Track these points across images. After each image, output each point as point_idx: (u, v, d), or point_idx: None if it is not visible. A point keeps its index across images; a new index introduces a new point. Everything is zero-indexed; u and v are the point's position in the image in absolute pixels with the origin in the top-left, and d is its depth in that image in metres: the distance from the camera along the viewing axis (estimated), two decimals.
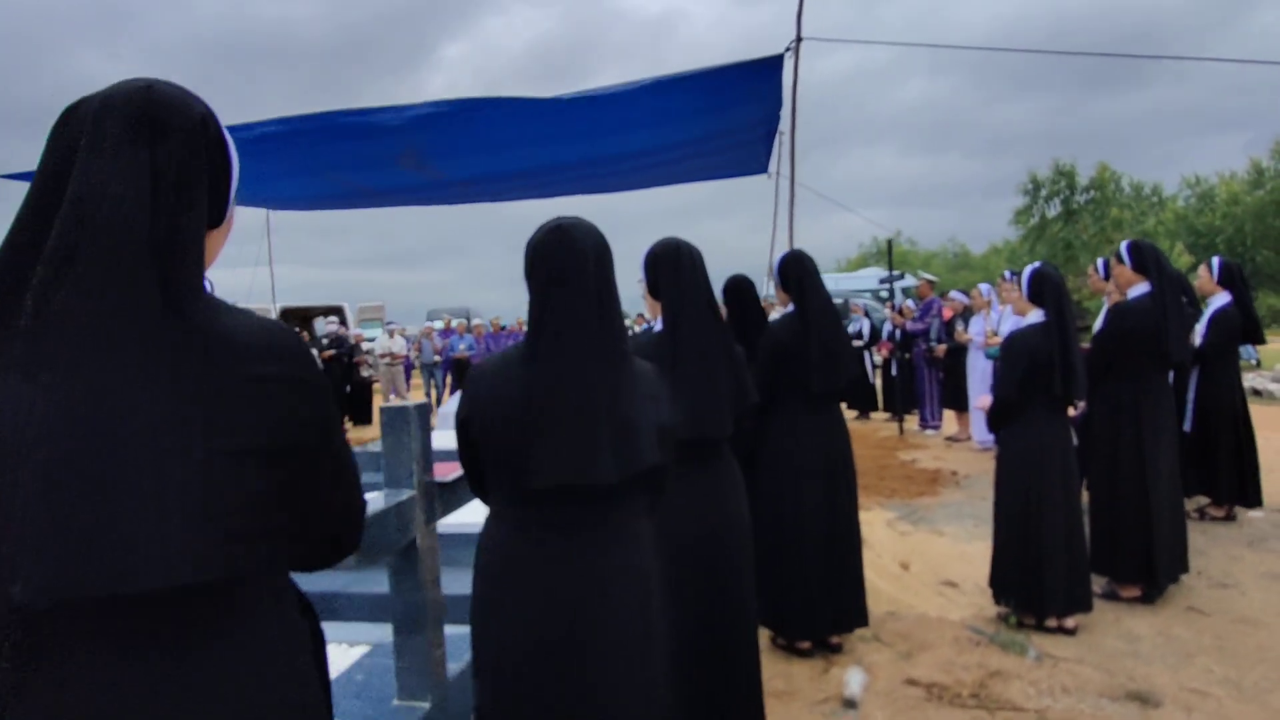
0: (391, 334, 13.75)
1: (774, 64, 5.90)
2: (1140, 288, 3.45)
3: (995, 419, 3.23)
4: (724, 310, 3.70)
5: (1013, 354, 3.12)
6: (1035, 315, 3.16)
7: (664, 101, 6.50)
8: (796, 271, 3.03)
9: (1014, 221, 26.04)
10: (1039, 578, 3.09)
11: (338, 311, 18.03)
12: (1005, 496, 3.20)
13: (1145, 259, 3.43)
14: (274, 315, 16.19)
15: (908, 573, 3.96)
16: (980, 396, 3.40)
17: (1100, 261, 4.87)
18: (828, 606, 2.99)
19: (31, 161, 0.88)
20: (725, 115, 6.85)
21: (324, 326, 12.63)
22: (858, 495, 3.12)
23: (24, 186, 0.90)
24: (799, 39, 5.68)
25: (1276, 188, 22.27)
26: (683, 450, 2.08)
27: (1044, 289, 3.12)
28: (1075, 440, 3.58)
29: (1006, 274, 6.54)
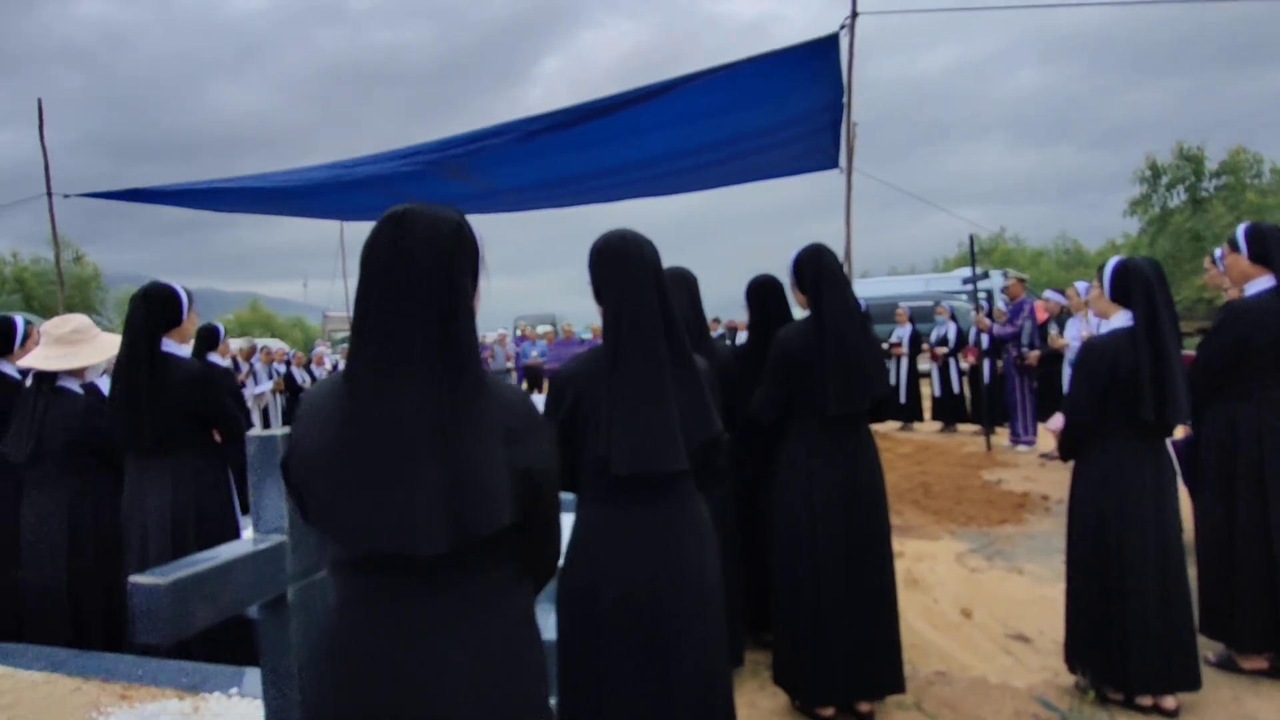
0: None
1: (829, 44, 5.38)
2: (1261, 282, 2.76)
3: (1066, 445, 2.64)
4: (747, 314, 3.27)
5: (1088, 365, 2.54)
6: (1121, 318, 2.56)
7: (716, 94, 6.12)
8: (813, 269, 2.56)
9: (1129, 212, 23.61)
10: (1121, 645, 2.48)
11: None
12: (1078, 542, 2.61)
13: (1268, 246, 2.75)
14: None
15: (969, 622, 3.37)
16: (1054, 416, 2.82)
17: (1218, 252, 4.09)
18: (851, 667, 2.50)
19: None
20: (784, 104, 6.38)
21: None
22: (890, 535, 2.61)
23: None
24: (854, 14, 5.15)
25: None
26: (623, 489, 1.69)
27: (1131, 286, 2.52)
28: (1180, 472, 2.92)
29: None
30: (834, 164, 8.66)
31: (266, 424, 8.95)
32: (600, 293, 1.74)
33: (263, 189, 6.99)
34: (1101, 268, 2.66)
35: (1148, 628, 2.48)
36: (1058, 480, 6.15)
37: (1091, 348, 2.55)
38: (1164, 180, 22.57)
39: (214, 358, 5.07)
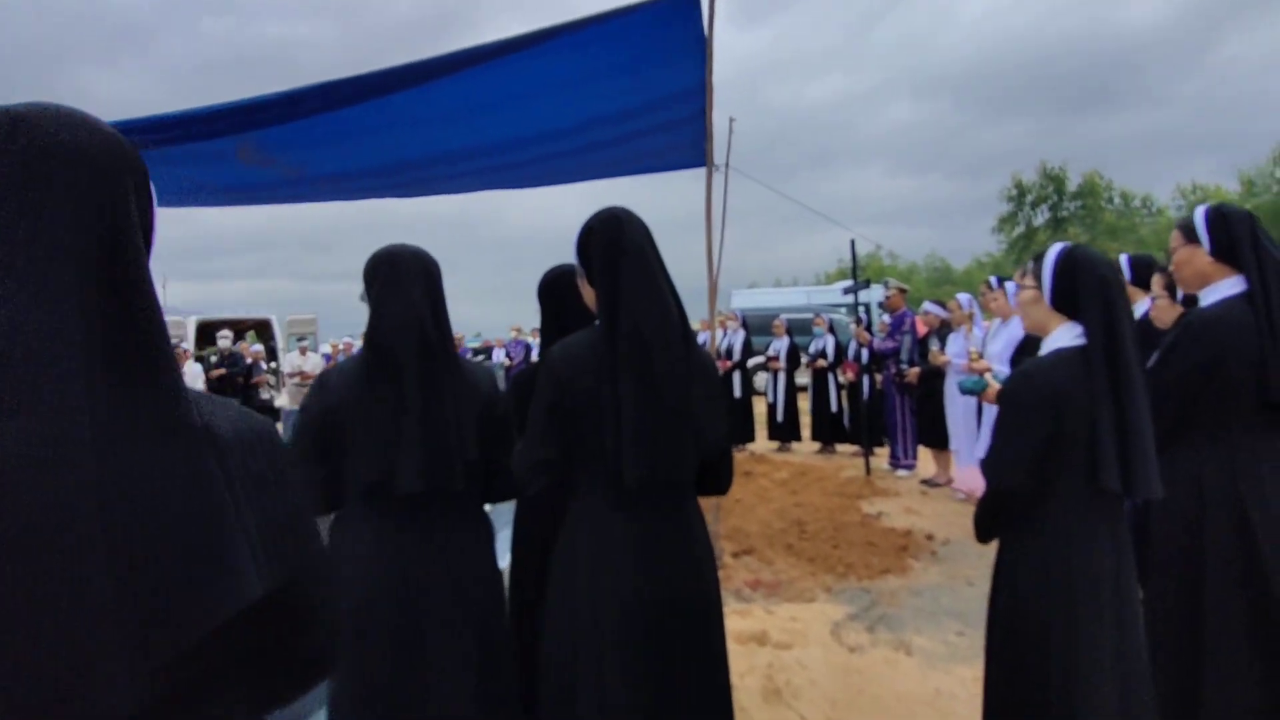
0: (304, 350, 12.23)
1: (689, 3, 4.52)
2: (1227, 286, 2.03)
3: (987, 523, 1.78)
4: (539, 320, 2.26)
5: (1024, 409, 1.68)
6: (1064, 334, 1.73)
7: (560, 63, 5.12)
8: (606, 249, 1.57)
9: (997, 229, 24.76)
10: None
11: (264, 325, 16.46)
12: (1007, 661, 1.75)
13: (1235, 236, 2.01)
14: (189, 329, 14.53)
15: None
16: (965, 469, 1.98)
17: (1124, 258, 3.48)
18: None
19: None
20: (642, 79, 5.44)
21: (222, 343, 11.05)
22: (725, 662, 1.66)
23: None
24: None
25: (1273, 197, 21.16)
26: None
27: (1081, 286, 1.69)
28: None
29: (992, 280, 5.17)
30: (703, 161, 7.89)
31: None
32: None
33: None
34: (1038, 258, 1.82)
35: None
36: (940, 513, 5.52)
37: (1028, 380, 1.69)
38: (1029, 199, 23.75)
39: None
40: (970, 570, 4.24)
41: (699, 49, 5.04)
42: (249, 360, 10.71)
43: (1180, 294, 2.39)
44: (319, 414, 1.64)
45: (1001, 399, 1.72)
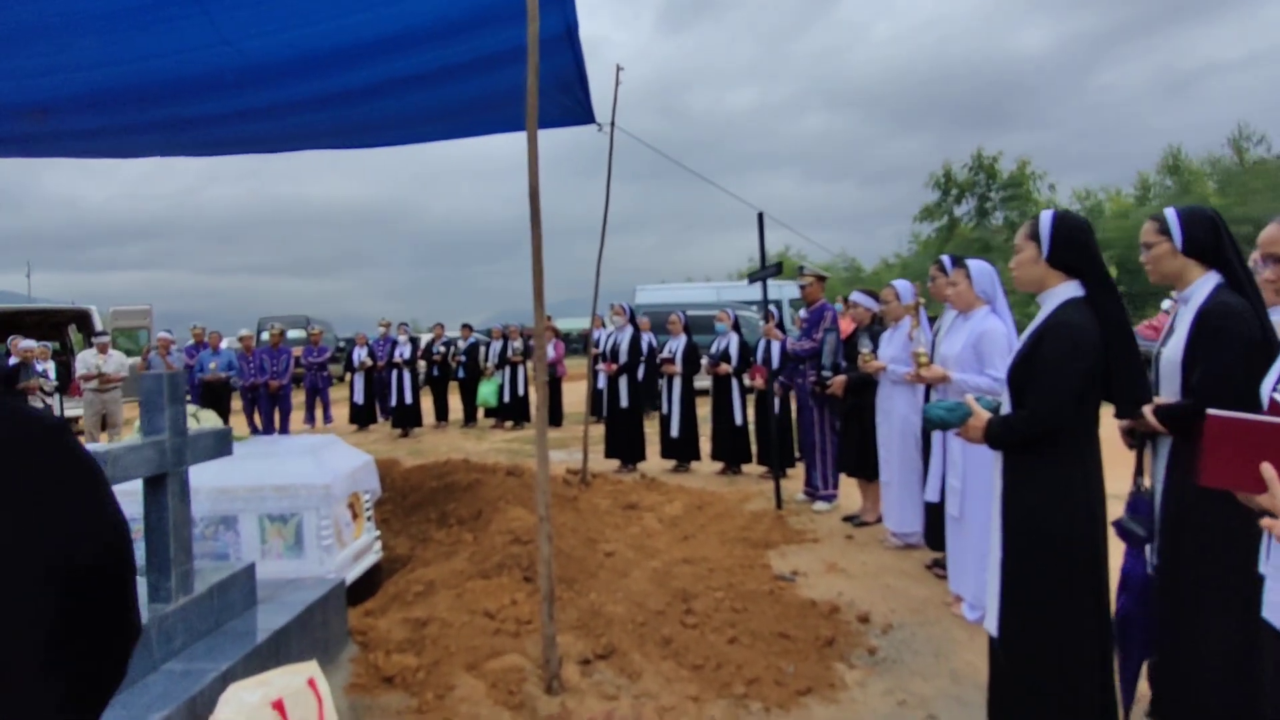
0: (104, 349, 9.94)
1: None
2: None
3: None
4: None
5: None
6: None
7: None
8: None
9: (919, 218, 24.36)
10: None
11: (83, 318, 13.80)
12: None
13: None
14: None
15: None
16: None
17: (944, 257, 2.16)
18: None
19: None
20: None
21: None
22: None
23: None
24: None
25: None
26: None
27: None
28: None
29: (945, 260, 3.84)
30: (590, 117, 6.29)
31: None
32: None
33: None
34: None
35: None
36: (873, 570, 4.16)
37: None
38: (954, 191, 23.42)
39: None
40: (925, 684, 2.85)
41: None
42: (14, 360, 8.41)
43: None
44: None
45: None
